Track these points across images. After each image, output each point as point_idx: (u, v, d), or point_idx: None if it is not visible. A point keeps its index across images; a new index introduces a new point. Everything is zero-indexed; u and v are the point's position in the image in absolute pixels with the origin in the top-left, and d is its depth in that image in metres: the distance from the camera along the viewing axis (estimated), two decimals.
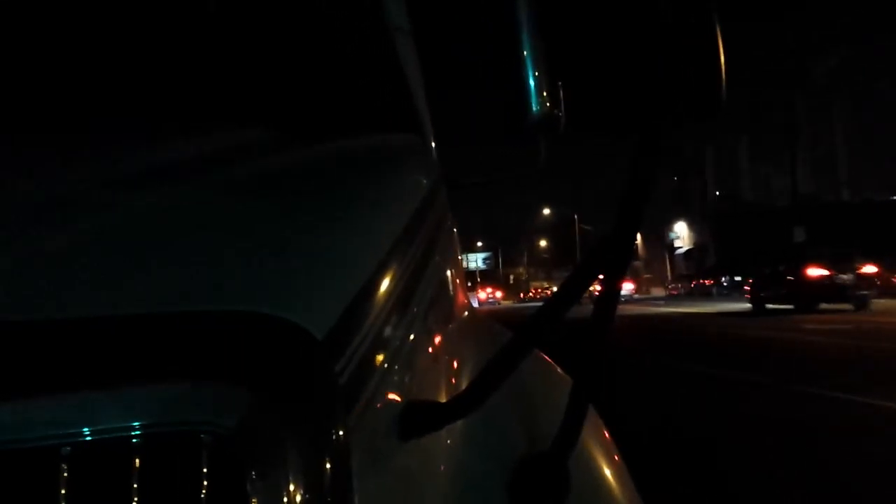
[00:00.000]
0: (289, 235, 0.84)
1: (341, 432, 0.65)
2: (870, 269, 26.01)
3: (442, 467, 0.95)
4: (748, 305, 28.50)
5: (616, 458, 1.20)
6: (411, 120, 1.77)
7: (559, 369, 1.33)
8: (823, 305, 24.39)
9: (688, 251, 72.57)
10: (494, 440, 1.04)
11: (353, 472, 0.66)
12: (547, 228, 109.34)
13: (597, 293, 0.91)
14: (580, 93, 1.05)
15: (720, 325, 22.57)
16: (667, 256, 77.11)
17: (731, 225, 62.42)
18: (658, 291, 68.42)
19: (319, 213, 0.94)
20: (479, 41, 2.28)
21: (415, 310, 0.99)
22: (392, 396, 0.83)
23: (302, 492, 0.60)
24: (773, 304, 26.57)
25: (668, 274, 73.55)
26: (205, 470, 0.57)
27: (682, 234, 76.16)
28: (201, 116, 1.38)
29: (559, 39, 1.09)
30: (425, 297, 1.08)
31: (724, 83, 0.87)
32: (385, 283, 0.89)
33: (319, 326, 0.69)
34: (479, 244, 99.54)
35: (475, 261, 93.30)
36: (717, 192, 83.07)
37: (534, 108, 1.82)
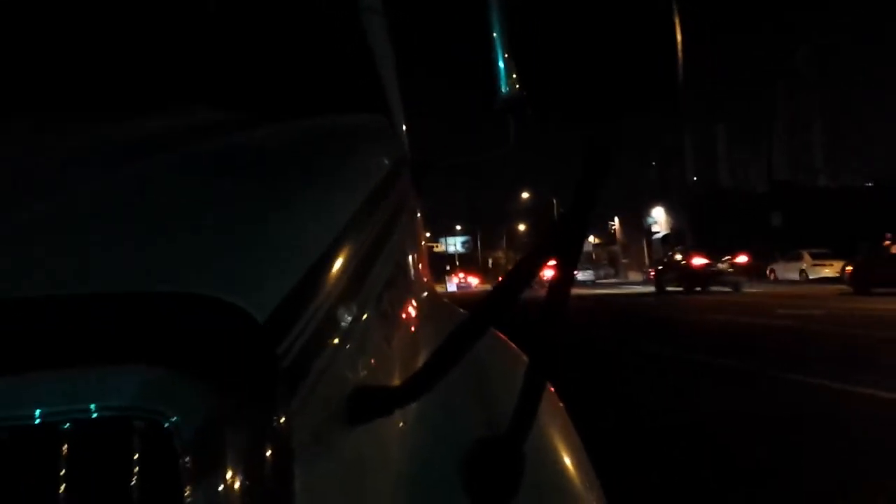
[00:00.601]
0: (234, 215, 0.82)
1: (282, 417, 0.64)
2: (742, 258, 33.54)
3: (394, 452, 0.94)
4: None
5: (574, 439, 1.20)
6: (378, 101, 1.76)
7: (517, 349, 1.32)
8: (713, 288, 30.84)
9: (665, 236, 72.84)
10: (449, 423, 1.04)
11: (295, 458, 0.65)
12: (526, 212, 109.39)
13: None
14: (543, 76, 1.05)
15: (629, 302, 28.91)
16: (644, 241, 77.40)
17: (708, 210, 62.77)
18: (636, 276, 68.73)
19: (269, 194, 0.92)
20: (450, 23, 2.29)
21: (368, 292, 0.98)
22: (341, 380, 0.81)
23: (240, 478, 0.59)
24: (670, 286, 33.85)
25: (646, 258, 73.89)
26: (136, 456, 0.56)
27: (659, 220, 76.42)
28: (158, 96, 1.36)
29: (526, 21, 1.10)
30: (380, 280, 1.07)
31: (681, 70, 0.87)
32: (335, 265, 0.87)
33: (261, 308, 0.67)
34: (458, 227, 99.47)
35: (454, 244, 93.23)
36: (695, 178, 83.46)
37: (503, 90, 1.84)
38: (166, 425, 0.56)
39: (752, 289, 31.15)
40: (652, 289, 37.26)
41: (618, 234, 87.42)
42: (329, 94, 1.62)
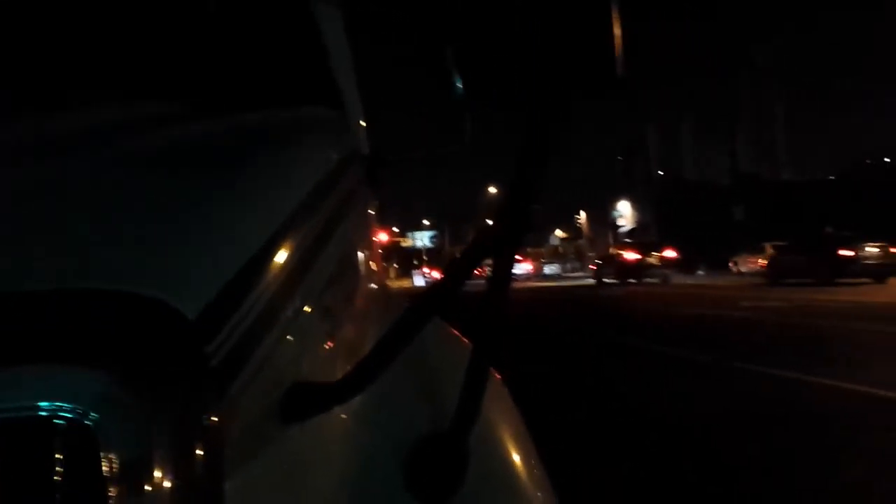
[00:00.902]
0: (168, 210, 0.80)
1: (212, 416, 0.62)
2: (670, 253, 36.40)
3: (335, 451, 0.92)
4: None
5: (521, 430, 1.18)
6: (329, 95, 1.73)
7: (467, 341, 1.28)
8: (647, 280, 34.08)
9: (631, 230, 73.56)
10: (392, 419, 1.01)
11: (227, 458, 0.63)
12: (494, 207, 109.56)
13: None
14: (487, 67, 1.03)
15: (572, 292, 31.83)
16: (610, 234, 78.08)
17: (673, 203, 63.45)
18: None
19: (205, 188, 0.89)
20: (408, 18, 2.27)
21: (309, 288, 0.96)
22: (278, 378, 0.79)
23: (168, 478, 0.57)
24: (607, 279, 36.15)
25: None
26: (57, 456, 0.54)
27: (625, 213, 77.17)
28: (104, 87, 1.33)
29: (471, 14, 1.08)
30: (323, 275, 1.05)
31: (619, 55, 0.86)
32: (272, 261, 0.86)
33: (191, 305, 0.65)
34: (426, 223, 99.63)
35: (421, 239, 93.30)
36: (660, 172, 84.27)
37: (458, 85, 1.82)
38: (88, 424, 0.55)
39: (686, 280, 35.09)
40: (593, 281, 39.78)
41: (584, 229, 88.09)
42: (279, 86, 1.59)
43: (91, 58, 1.41)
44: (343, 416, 0.95)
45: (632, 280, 34.01)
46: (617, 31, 0.86)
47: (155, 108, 1.18)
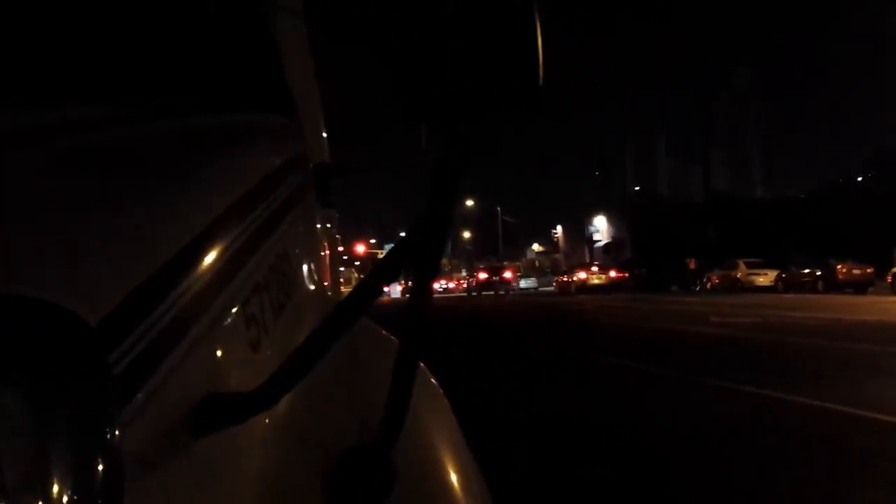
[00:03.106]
0: (79, 213, 0.77)
1: (113, 428, 0.59)
2: (507, 274, 58.61)
3: (254, 463, 0.90)
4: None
5: (454, 434, 1.18)
6: (281, 101, 1.73)
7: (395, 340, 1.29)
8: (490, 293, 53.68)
9: (606, 244, 73.78)
10: (318, 428, 1.00)
11: (130, 473, 0.61)
12: (470, 219, 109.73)
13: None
14: (412, 79, 1.05)
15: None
16: (586, 249, 78.28)
17: (648, 219, 63.74)
18: None
19: (117, 191, 0.86)
20: (367, 27, 2.30)
21: (231, 295, 0.94)
22: (189, 388, 0.77)
23: (65, 494, 0.54)
24: (474, 292, 58.90)
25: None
26: None
27: (601, 228, 77.40)
28: (43, 89, 1.31)
29: (407, 28, 1.09)
30: (249, 283, 1.03)
31: (540, 70, 0.86)
32: (188, 267, 0.83)
33: (94, 311, 0.62)
34: (402, 234, 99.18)
35: None
36: (636, 188, 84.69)
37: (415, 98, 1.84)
38: None
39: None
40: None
41: (560, 243, 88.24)
42: (227, 92, 1.58)
43: (37, 56, 1.40)
44: (266, 425, 0.94)
45: (486, 292, 55.57)
46: (539, 42, 0.87)
47: (85, 111, 1.17)
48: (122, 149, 1.03)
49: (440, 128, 0.86)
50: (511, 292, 53.65)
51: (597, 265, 54.93)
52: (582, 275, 50.68)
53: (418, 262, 0.87)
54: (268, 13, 1.85)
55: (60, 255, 0.68)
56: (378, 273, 0.87)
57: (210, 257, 0.90)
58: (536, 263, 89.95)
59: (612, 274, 50.83)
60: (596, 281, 49.20)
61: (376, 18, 1.12)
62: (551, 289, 65.77)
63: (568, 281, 52.10)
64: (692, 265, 43.97)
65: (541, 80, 0.88)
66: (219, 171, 1.12)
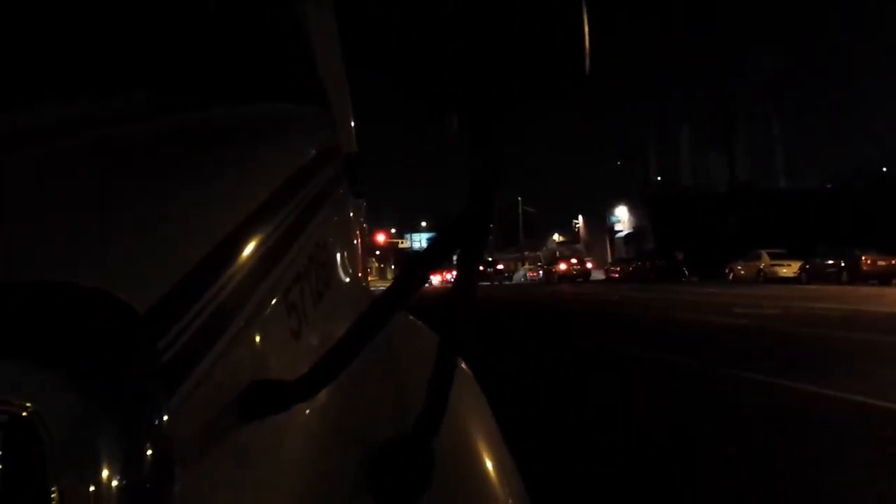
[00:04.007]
0: (124, 202, 0.78)
1: (162, 414, 0.61)
2: (500, 266, 66.33)
3: (295, 451, 0.92)
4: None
5: (492, 428, 1.19)
6: (312, 91, 1.73)
7: (434, 334, 1.28)
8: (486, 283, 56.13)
9: (628, 235, 73.36)
10: (358, 417, 1.01)
11: (178, 457, 0.62)
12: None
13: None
14: (460, 67, 1.03)
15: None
16: (607, 239, 77.90)
17: (670, 210, 63.27)
18: (598, 274, 69.25)
19: (165, 181, 0.88)
20: (396, 19, 2.31)
21: (273, 284, 0.95)
22: (234, 376, 0.78)
23: (114, 479, 0.55)
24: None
25: (609, 257, 74.35)
26: None
27: (622, 218, 76.95)
28: (80, 79, 1.32)
29: (447, 19, 1.08)
30: (290, 272, 1.04)
31: (587, 58, 0.85)
32: (234, 255, 0.85)
33: (143, 299, 0.63)
34: (424, 224, 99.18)
35: (419, 241, 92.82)
36: (658, 178, 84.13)
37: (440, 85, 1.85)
38: (30, 420, 0.53)
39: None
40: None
41: (582, 233, 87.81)
42: (260, 82, 1.58)
43: (70, 48, 1.39)
44: (307, 414, 0.96)
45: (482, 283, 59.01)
46: (586, 29, 0.85)
47: (127, 102, 1.19)
48: (165, 139, 1.05)
49: (474, 116, 0.86)
50: (505, 283, 65.31)
51: (576, 258, 64.59)
52: (563, 266, 61.28)
53: (462, 253, 0.87)
54: (299, 1, 1.86)
55: (109, 244, 0.69)
56: (420, 264, 0.87)
57: (253, 246, 0.91)
58: (557, 254, 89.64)
59: (590, 265, 62.95)
60: (574, 272, 59.59)
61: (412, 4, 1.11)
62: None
63: (552, 271, 62.87)
64: (681, 257, 48.51)
65: (587, 68, 0.86)
66: (261, 160, 1.14)
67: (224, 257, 0.82)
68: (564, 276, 58.63)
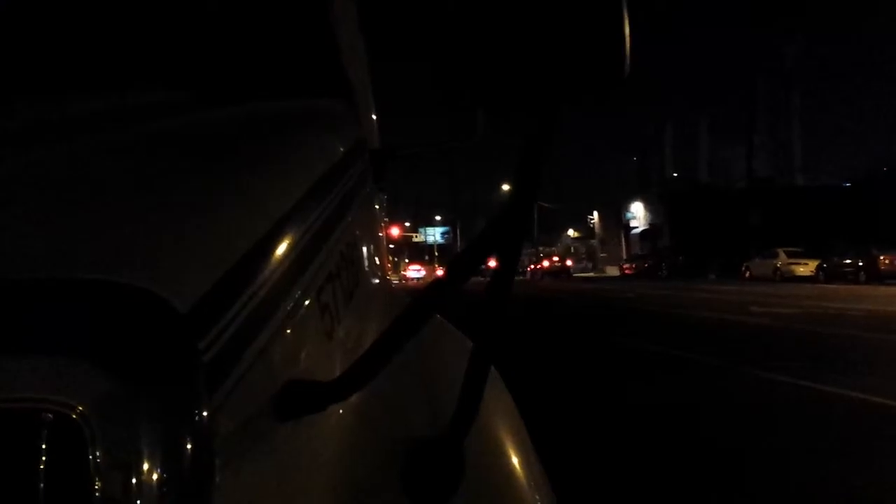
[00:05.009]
0: (163, 200, 0.79)
1: (203, 412, 0.61)
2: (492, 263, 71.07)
3: (330, 450, 0.92)
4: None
5: (521, 432, 1.18)
6: (339, 86, 1.72)
7: (466, 337, 1.29)
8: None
9: (643, 231, 73.19)
10: (391, 418, 1.01)
11: (218, 454, 0.63)
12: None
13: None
14: (496, 65, 1.00)
15: None
16: (622, 236, 77.78)
17: (687, 206, 63.02)
18: (612, 270, 69.28)
19: (203, 178, 0.89)
20: (419, 10, 2.28)
21: (307, 283, 0.95)
22: (272, 375, 0.79)
23: (156, 475, 0.56)
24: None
25: (624, 253, 74.29)
26: (43, 449, 0.53)
27: (638, 214, 76.75)
28: (114, 74, 1.32)
29: (479, 12, 1.05)
30: (322, 271, 1.04)
31: (627, 55, 0.82)
32: (270, 255, 0.85)
33: (184, 298, 0.64)
34: (438, 218, 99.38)
35: (433, 235, 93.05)
36: (675, 174, 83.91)
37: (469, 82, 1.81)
38: (75, 417, 0.54)
39: None
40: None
41: (597, 229, 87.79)
42: (288, 77, 1.57)
43: (99, 43, 1.40)
44: (340, 414, 0.96)
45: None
46: (627, 30, 0.82)
47: (159, 97, 1.19)
48: (201, 137, 1.04)
49: (500, 113, 0.85)
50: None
51: (557, 255, 72.45)
52: (546, 263, 68.51)
53: (499, 255, 0.85)
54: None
55: (152, 242, 0.70)
56: (458, 267, 0.85)
57: (290, 244, 0.90)
58: (572, 249, 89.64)
59: (569, 262, 70.77)
60: (554, 269, 65.76)
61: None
62: (588, 274, 67.35)
63: (537, 268, 67.82)
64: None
65: (627, 66, 0.82)
66: (295, 158, 1.13)
67: (262, 256, 0.83)
68: (548, 273, 64.57)
